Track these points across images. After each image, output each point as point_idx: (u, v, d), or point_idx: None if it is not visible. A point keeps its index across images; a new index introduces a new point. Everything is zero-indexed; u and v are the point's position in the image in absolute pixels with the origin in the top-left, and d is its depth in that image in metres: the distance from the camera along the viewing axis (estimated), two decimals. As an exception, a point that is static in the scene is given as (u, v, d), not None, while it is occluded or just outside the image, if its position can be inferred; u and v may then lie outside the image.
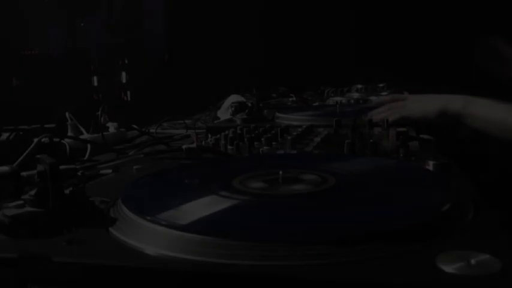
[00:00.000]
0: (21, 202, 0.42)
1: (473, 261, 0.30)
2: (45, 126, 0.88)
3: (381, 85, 1.92)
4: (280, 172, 0.51)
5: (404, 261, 0.32)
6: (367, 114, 1.00)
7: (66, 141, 0.84)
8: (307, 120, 1.06)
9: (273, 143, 0.81)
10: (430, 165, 0.55)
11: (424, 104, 0.94)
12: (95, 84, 4.95)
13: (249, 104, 1.16)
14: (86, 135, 1.09)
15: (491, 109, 0.92)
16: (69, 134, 1.07)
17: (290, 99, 1.69)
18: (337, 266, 0.32)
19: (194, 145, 0.65)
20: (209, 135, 1.01)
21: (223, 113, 1.40)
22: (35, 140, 0.74)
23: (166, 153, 0.70)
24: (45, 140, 0.76)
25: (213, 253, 0.34)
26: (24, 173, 0.42)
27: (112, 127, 1.21)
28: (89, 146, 0.97)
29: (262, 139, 0.81)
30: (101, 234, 0.39)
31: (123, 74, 4.95)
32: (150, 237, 0.37)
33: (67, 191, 0.43)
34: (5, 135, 0.80)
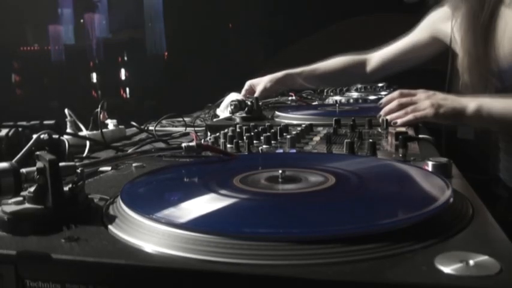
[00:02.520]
0: (20, 199, 0.42)
1: (471, 262, 0.30)
2: (44, 122, 0.88)
3: (380, 84, 1.92)
4: (280, 171, 0.51)
5: (403, 262, 0.32)
6: (380, 113, 1.00)
7: (65, 138, 0.84)
8: (307, 119, 1.06)
9: (273, 141, 0.81)
10: (429, 166, 0.55)
11: (437, 107, 0.93)
12: (94, 81, 4.94)
13: (249, 103, 1.16)
14: (85, 132, 1.09)
15: (504, 107, 0.93)
16: (68, 130, 1.07)
17: (289, 98, 1.69)
18: (336, 266, 0.32)
19: (194, 143, 0.65)
20: (208, 134, 1.01)
21: (223, 111, 1.40)
22: (34, 136, 0.74)
23: (166, 151, 0.70)
24: (44, 136, 0.76)
25: (213, 252, 0.34)
26: (23, 170, 0.42)
27: (111, 124, 1.21)
28: (87, 142, 0.97)
29: (262, 138, 0.81)
30: (100, 231, 0.39)
31: (122, 71, 4.94)
32: (149, 235, 0.37)
33: (66, 188, 0.43)
34: (4, 132, 0.79)
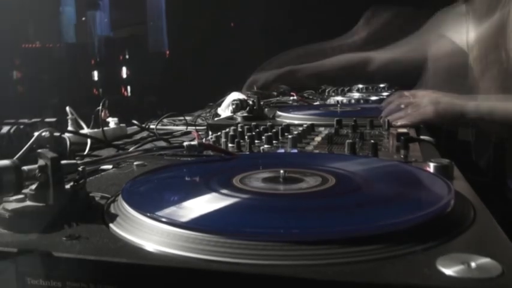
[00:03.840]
0: (21, 196, 0.42)
1: (473, 264, 0.30)
2: (46, 120, 0.88)
3: (381, 85, 1.92)
4: (281, 171, 0.51)
5: (404, 263, 0.32)
6: (382, 115, 1.00)
7: (66, 135, 0.84)
8: (308, 119, 1.06)
9: (274, 141, 0.81)
10: (431, 167, 0.55)
11: (436, 104, 0.93)
12: (96, 78, 4.94)
13: (250, 102, 1.16)
14: (86, 130, 1.09)
15: (506, 104, 0.93)
16: (69, 128, 1.07)
17: (291, 98, 1.69)
18: (337, 266, 0.32)
19: (196, 142, 0.64)
20: (209, 133, 1.01)
21: (224, 110, 1.40)
22: (36, 134, 0.74)
23: (168, 149, 0.70)
24: (45, 134, 0.76)
25: (213, 251, 0.34)
26: (25, 167, 0.42)
27: (112, 122, 1.21)
28: (89, 141, 0.97)
29: (263, 137, 0.81)
30: (101, 230, 0.39)
31: (124, 69, 4.95)
32: (150, 234, 0.37)
33: (68, 186, 0.43)
34: (5, 129, 0.80)
